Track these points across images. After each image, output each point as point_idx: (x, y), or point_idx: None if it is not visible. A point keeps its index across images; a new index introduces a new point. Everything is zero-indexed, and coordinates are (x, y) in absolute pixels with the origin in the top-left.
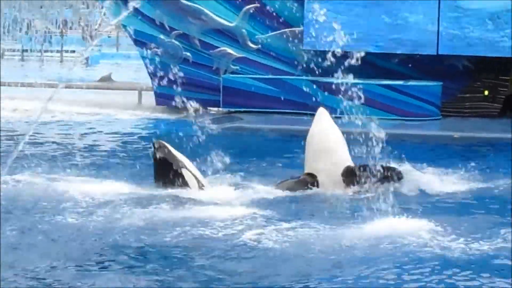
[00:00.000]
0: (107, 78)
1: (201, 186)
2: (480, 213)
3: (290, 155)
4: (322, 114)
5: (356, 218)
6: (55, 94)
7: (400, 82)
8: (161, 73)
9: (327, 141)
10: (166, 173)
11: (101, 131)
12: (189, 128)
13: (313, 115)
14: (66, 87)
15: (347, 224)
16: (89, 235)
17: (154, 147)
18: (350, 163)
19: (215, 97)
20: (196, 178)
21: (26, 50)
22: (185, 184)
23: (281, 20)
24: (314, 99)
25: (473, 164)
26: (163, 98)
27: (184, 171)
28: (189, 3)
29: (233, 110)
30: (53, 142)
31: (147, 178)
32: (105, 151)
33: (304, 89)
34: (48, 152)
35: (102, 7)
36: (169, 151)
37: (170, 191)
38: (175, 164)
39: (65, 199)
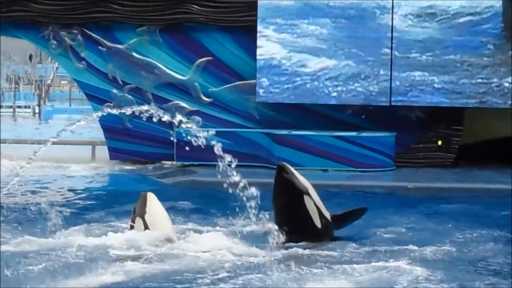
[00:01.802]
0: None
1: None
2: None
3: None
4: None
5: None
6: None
7: (354, 133)
8: (114, 128)
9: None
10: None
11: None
12: (143, 182)
13: (265, 167)
14: (22, 143)
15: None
16: None
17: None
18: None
19: (168, 150)
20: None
21: None
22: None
23: (234, 73)
24: (267, 151)
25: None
26: (117, 152)
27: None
28: (142, 57)
29: (186, 163)
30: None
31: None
32: (58, 205)
33: (258, 141)
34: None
35: (54, 62)
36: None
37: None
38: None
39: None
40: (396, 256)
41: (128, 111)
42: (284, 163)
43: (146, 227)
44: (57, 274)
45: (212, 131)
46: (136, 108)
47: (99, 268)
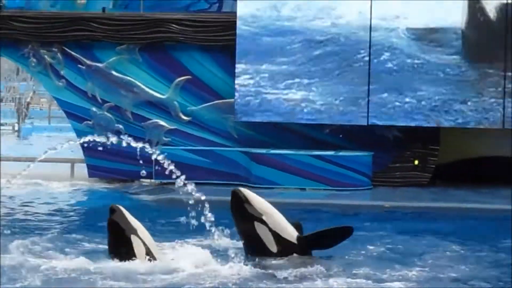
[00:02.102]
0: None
1: (150, 257)
2: None
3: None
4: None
5: None
6: None
7: (331, 152)
8: (93, 146)
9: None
10: (118, 241)
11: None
12: (121, 199)
13: (244, 185)
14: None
15: None
16: None
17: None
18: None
19: (147, 169)
20: (145, 246)
21: None
22: (131, 254)
23: (212, 92)
24: (246, 170)
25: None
26: (96, 170)
27: (133, 238)
28: (121, 76)
29: (165, 181)
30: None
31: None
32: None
33: (236, 160)
34: None
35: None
36: (123, 216)
37: (114, 264)
38: (126, 230)
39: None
40: (370, 276)
41: (105, 140)
42: (240, 189)
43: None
44: None
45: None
46: (113, 138)
47: None
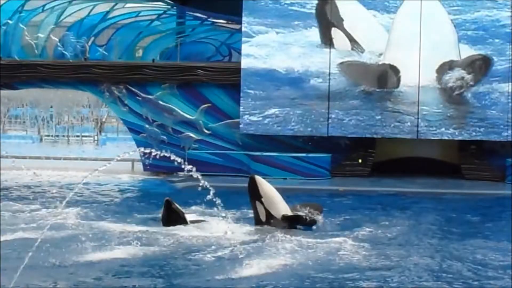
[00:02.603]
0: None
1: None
2: None
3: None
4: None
5: None
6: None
7: (304, 154)
8: (147, 150)
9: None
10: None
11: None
12: (167, 184)
13: (245, 177)
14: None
15: None
16: None
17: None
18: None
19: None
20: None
21: (57, 135)
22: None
23: (225, 114)
24: (247, 166)
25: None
26: (149, 166)
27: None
28: (165, 104)
29: (191, 173)
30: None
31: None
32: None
33: (240, 159)
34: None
35: (107, 107)
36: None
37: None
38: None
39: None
40: (333, 236)
41: (154, 154)
42: (256, 175)
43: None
44: None
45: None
46: (157, 153)
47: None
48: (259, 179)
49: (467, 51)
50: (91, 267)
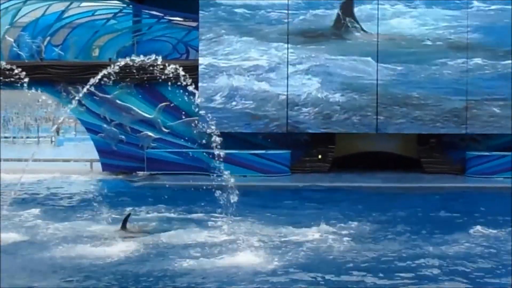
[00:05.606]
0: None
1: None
2: None
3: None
4: None
5: None
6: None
7: (263, 151)
8: (105, 150)
9: None
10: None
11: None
12: (124, 184)
13: (205, 175)
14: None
15: None
16: None
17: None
18: None
19: (141, 164)
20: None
21: (15, 137)
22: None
23: (183, 113)
24: (207, 164)
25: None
26: (107, 166)
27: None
28: (122, 103)
29: (153, 173)
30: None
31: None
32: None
33: (200, 157)
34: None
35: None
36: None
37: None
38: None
39: None
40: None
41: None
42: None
43: None
44: None
45: None
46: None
47: None
48: None
49: None
50: (51, 267)
